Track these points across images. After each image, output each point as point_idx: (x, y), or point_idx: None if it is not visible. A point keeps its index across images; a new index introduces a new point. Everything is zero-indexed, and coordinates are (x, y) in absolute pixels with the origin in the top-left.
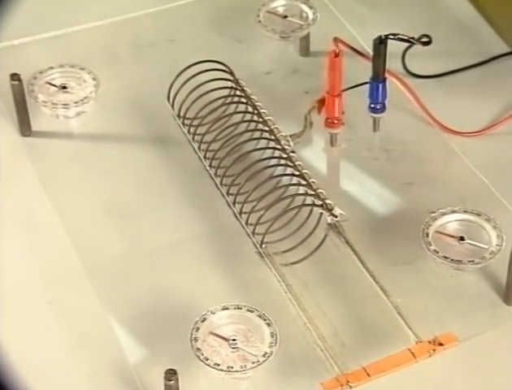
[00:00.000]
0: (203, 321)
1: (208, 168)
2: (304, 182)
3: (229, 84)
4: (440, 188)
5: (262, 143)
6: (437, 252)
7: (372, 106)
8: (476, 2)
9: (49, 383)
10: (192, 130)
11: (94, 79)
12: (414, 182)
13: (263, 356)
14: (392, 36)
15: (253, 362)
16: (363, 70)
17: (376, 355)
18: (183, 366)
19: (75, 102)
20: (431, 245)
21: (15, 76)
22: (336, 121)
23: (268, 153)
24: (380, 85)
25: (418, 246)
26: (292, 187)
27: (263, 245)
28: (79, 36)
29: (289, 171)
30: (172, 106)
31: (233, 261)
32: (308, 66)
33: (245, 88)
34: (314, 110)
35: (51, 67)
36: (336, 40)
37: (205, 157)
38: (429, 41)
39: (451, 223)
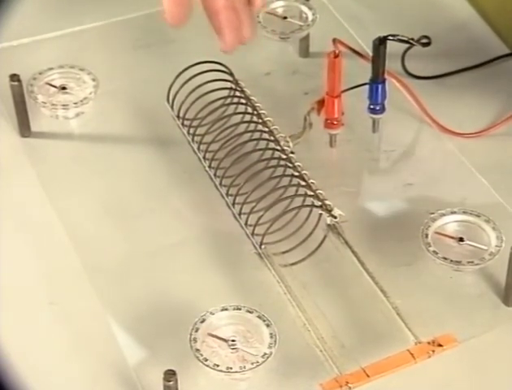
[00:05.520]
0: (202, 322)
1: (207, 169)
2: (303, 183)
3: (229, 84)
4: (440, 188)
5: (262, 144)
6: (436, 253)
7: (372, 106)
8: (476, 3)
9: (49, 384)
10: (191, 131)
11: (94, 79)
12: (413, 183)
13: (262, 357)
14: (391, 37)
15: (253, 363)
16: (363, 71)
17: (375, 356)
18: (182, 367)
19: (75, 103)
20: (430, 246)
21: (14, 77)
22: (335, 122)
23: (268, 153)
24: (380, 86)
25: (417, 247)
26: (291, 188)
27: (263, 246)
28: (79, 36)
29: (289, 171)
30: (172, 106)
31: (232, 262)
32: (307, 67)
33: (244, 89)
34: (314, 110)
35: (51, 68)
36: (335, 41)
37: (204, 157)
38: (429, 42)
39: (450, 223)
